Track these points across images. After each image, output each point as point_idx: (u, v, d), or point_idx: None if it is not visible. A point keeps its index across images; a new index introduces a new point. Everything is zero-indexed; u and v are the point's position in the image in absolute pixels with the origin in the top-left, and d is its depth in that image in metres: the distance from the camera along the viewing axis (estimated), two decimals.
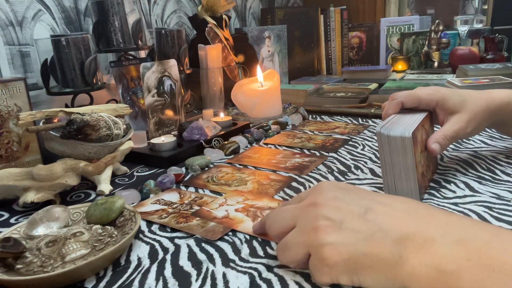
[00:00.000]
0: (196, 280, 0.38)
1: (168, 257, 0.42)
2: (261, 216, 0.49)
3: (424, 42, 1.51)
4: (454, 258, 0.29)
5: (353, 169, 0.64)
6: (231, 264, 0.40)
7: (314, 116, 1.03)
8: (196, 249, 0.43)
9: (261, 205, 0.52)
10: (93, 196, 0.60)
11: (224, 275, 0.39)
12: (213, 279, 0.38)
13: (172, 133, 0.86)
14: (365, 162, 0.66)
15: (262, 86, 0.98)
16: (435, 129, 0.59)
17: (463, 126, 0.54)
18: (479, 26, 1.59)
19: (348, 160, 0.68)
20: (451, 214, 0.35)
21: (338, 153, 0.72)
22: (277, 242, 0.39)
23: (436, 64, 1.48)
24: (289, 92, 1.20)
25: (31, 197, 0.53)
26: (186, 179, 0.64)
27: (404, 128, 0.48)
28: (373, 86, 1.24)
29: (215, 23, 1.11)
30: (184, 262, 0.41)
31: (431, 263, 0.30)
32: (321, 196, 0.37)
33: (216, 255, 0.42)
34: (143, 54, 1.05)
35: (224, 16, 1.15)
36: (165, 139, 0.75)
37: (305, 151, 0.75)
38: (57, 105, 0.87)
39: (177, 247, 0.44)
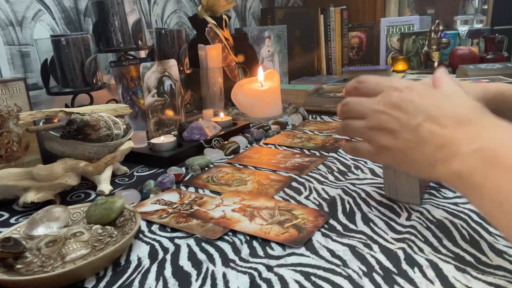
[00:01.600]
0: (196, 280, 0.38)
1: (168, 257, 0.42)
2: (258, 215, 0.49)
3: (424, 42, 1.51)
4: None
5: (353, 169, 0.64)
6: (231, 264, 0.40)
7: (314, 116, 1.03)
8: (196, 249, 0.43)
9: (258, 205, 0.52)
10: (93, 196, 0.60)
11: (224, 275, 0.39)
12: (213, 279, 0.38)
13: (172, 133, 0.86)
14: (365, 162, 0.66)
15: (262, 86, 0.98)
16: None
17: None
18: (479, 26, 1.59)
19: (348, 160, 0.68)
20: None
21: (338, 153, 0.72)
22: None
23: (436, 64, 1.48)
24: (289, 92, 1.20)
25: (31, 197, 0.53)
26: (186, 179, 0.64)
27: None
28: None
29: (215, 23, 1.11)
30: (184, 262, 0.41)
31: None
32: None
33: (216, 255, 0.42)
34: (143, 54, 1.05)
35: (224, 16, 1.15)
36: (165, 139, 0.75)
37: (305, 151, 0.75)
38: (57, 105, 0.87)
39: (177, 247, 0.44)
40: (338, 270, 0.38)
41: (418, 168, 0.42)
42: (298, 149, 0.76)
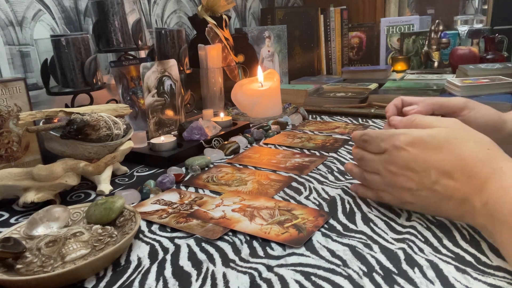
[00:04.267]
0: (196, 280, 0.38)
1: (168, 257, 0.42)
2: (258, 215, 0.49)
3: (424, 42, 1.51)
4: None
5: None
6: (231, 264, 0.40)
7: (314, 116, 1.03)
8: (196, 249, 0.43)
9: (258, 205, 0.52)
10: (93, 196, 0.60)
11: (224, 275, 0.39)
12: (213, 279, 0.38)
13: (172, 133, 0.86)
14: None
15: (262, 86, 0.98)
16: None
17: None
18: (479, 26, 1.59)
19: (348, 160, 0.68)
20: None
21: (338, 153, 0.72)
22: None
23: (436, 64, 1.48)
24: (289, 92, 1.20)
25: (31, 197, 0.53)
26: (186, 179, 0.64)
27: None
28: (373, 86, 1.24)
29: (215, 23, 1.11)
30: (184, 262, 0.41)
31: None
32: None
33: (216, 255, 0.42)
34: (143, 54, 1.05)
35: (224, 16, 1.15)
36: (165, 139, 0.75)
37: (305, 151, 0.75)
38: (57, 105, 0.87)
39: (177, 247, 0.44)
40: (338, 270, 0.38)
41: (447, 217, 0.45)
42: (298, 149, 0.76)
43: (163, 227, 0.49)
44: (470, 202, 0.39)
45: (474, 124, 0.49)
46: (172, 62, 0.86)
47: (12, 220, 0.53)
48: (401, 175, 0.44)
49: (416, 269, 0.37)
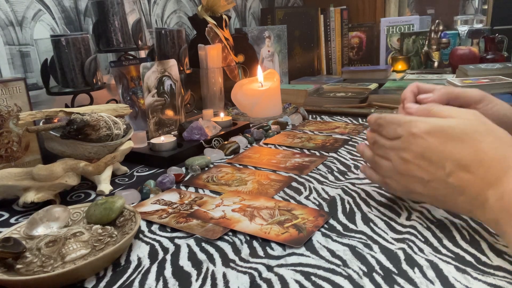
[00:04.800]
0: (196, 280, 0.38)
1: (168, 257, 0.42)
2: (258, 215, 0.49)
3: (424, 42, 1.51)
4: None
5: (353, 169, 0.64)
6: (231, 264, 0.40)
7: (314, 116, 1.03)
8: (196, 249, 0.43)
9: (258, 205, 0.52)
10: (93, 196, 0.60)
11: (224, 275, 0.39)
12: (213, 279, 0.38)
13: (172, 133, 0.86)
14: (365, 162, 0.66)
15: (262, 86, 0.98)
16: None
17: None
18: (479, 26, 1.59)
19: (348, 160, 0.68)
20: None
21: (338, 153, 0.72)
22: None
23: (436, 64, 1.48)
24: (289, 92, 1.20)
25: (31, 197, 0.53)
26: (186, 179, 0.64)
27: None
28: (373, 86, 1.24)
29: (215, 23, 1.11)
30: (184, 262, 0.41)
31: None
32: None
33: (216, 255, 0.42)
34: (143, 54, 1.05)
35: (224, 16, 1.15)
36: (165, 139, 0.75)
37: (305, 151, 0.75)
38: (57, 105, 0.87)
39: (177, 247, 0.44)
40: (338, 270, 0.38)
41: (456, 211, 0.44)
42: (298, 149, 0.76)
43: (163, 227, 0.49)
44: (483, 196, 0.38)
45: (489, 118, 0.48)
46: (172, 62, 0.86)
47: (12, 220, 0.53)
48: (413, 164, 0.42)
49: (416, 269, 0.37)
